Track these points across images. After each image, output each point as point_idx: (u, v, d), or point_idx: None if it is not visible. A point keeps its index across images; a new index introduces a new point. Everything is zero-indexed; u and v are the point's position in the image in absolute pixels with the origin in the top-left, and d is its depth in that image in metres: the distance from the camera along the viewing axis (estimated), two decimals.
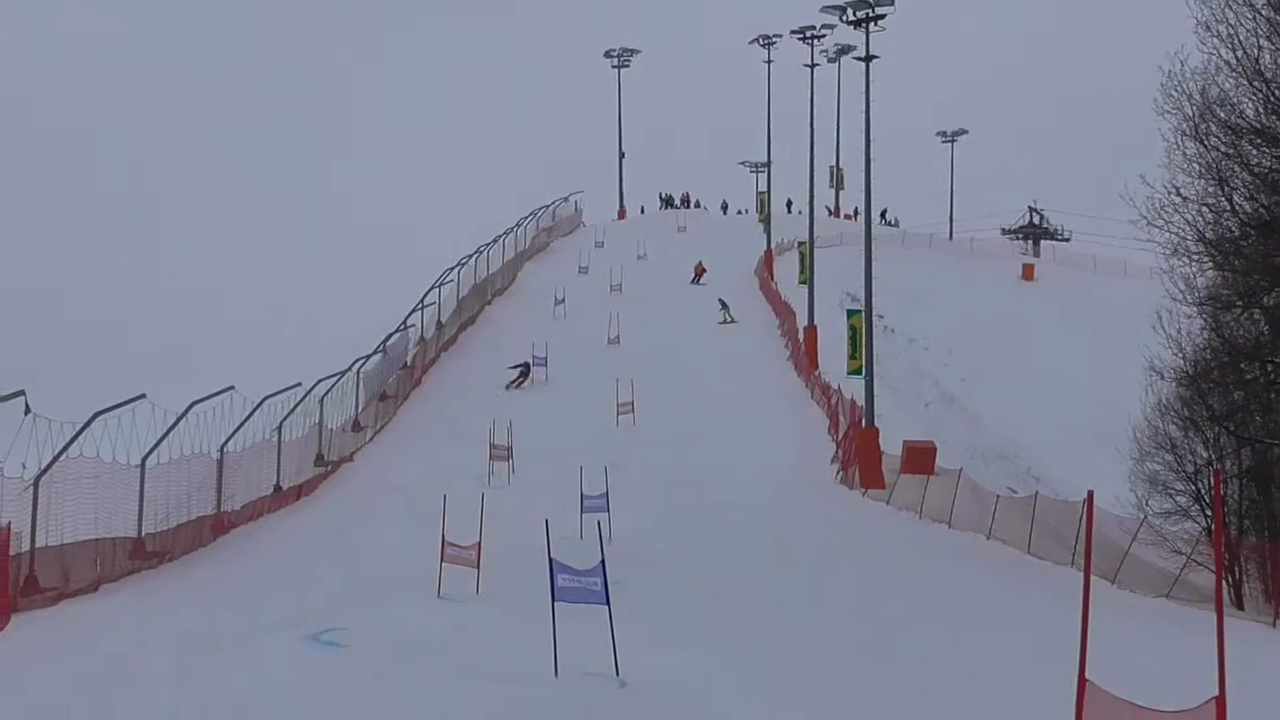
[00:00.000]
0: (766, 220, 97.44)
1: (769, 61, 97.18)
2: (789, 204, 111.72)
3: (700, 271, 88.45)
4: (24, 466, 25.61)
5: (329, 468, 46.21)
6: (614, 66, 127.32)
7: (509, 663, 19.80)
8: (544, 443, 47.34)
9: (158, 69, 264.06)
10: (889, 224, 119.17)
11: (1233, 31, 34.82)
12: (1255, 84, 34.97)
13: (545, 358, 62.08)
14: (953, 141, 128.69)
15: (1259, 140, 35.34)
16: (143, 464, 30.81)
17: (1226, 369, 37.13)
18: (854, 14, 52.26)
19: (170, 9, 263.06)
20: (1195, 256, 36.23)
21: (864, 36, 52.94)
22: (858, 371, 52.00)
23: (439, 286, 71.96)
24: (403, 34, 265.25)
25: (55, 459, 26.32)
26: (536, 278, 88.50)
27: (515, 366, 61.99)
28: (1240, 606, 32.14)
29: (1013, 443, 64.99)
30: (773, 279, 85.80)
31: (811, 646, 22.54)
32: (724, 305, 75.53)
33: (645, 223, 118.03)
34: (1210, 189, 35.66)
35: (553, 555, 19.13)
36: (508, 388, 60.75)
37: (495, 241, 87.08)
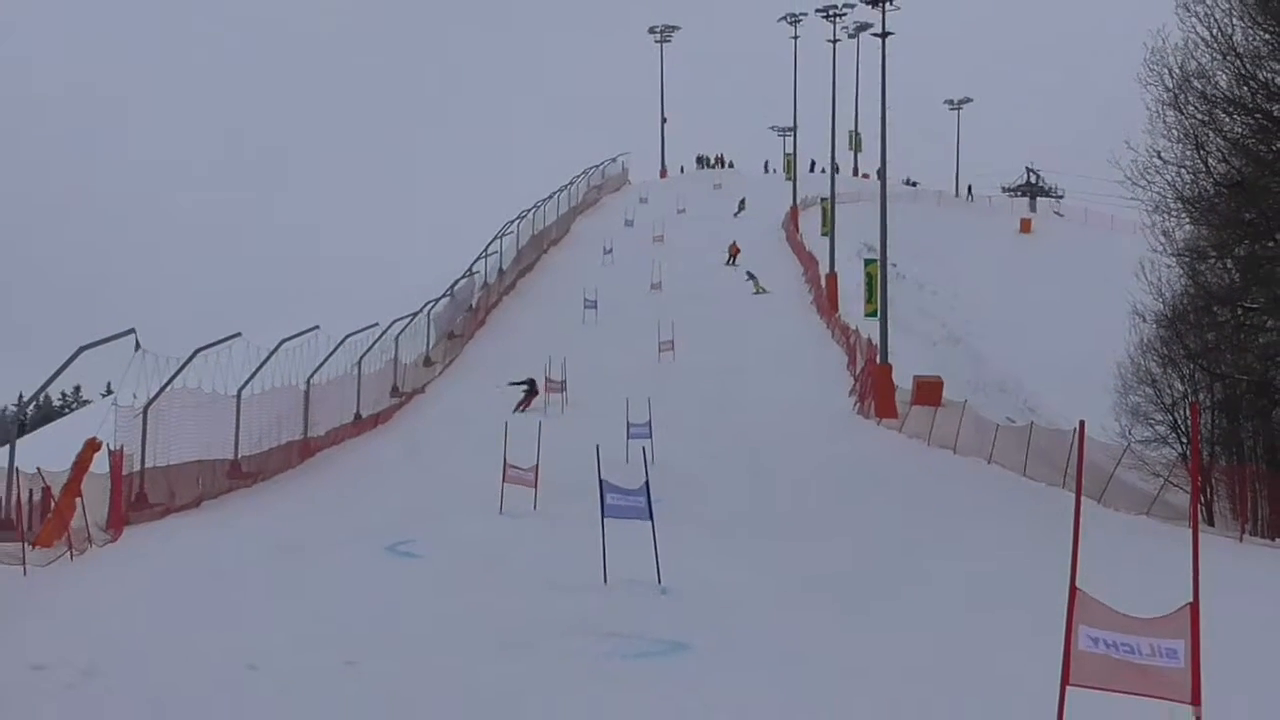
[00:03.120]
0: (793, 179, 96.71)
1: (795, 37, 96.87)
2: (812, 164, 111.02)
3: (735, 252, 77.07)
4: (135, 397, 25.95)
5: (403, 398, 46.35)
6: (657, 42, 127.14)
7: (563, 571, 19.91)
8: (594, 377, 47.28)
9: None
10: (910, 184, 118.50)
11: (1209, 11, 35.08)
12: (1229, 58, 34.97)
13: (596, 300, 61.84)
14: (959, 109, 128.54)
15: (1231, 109, 35.35)
16: (239, 394, 31.07)
17: (1201, 312, 37.02)
18: None
19: None
20: (1174, 213, 36.32)
21: (880, 15, 53.89)
22: (873, 314, 51.93)
23: (500, 237, 72.19)
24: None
25: (161, 390, 26.59)
26: (588, 230, 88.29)
27: (518, 383, 45.37)
28: (1211, 523, 32.01)
29: (1011, 378, 64.63)
30: (798, 231, 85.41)
31: (831, 558, 22.59)
32: (751, 276, 70.43)
33: (684, 181, 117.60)
34: (1188, 153, 35.67)
35: (602, 476, 19.25)
36: (515, 411, 42.56)
37: (550, 197, 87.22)
